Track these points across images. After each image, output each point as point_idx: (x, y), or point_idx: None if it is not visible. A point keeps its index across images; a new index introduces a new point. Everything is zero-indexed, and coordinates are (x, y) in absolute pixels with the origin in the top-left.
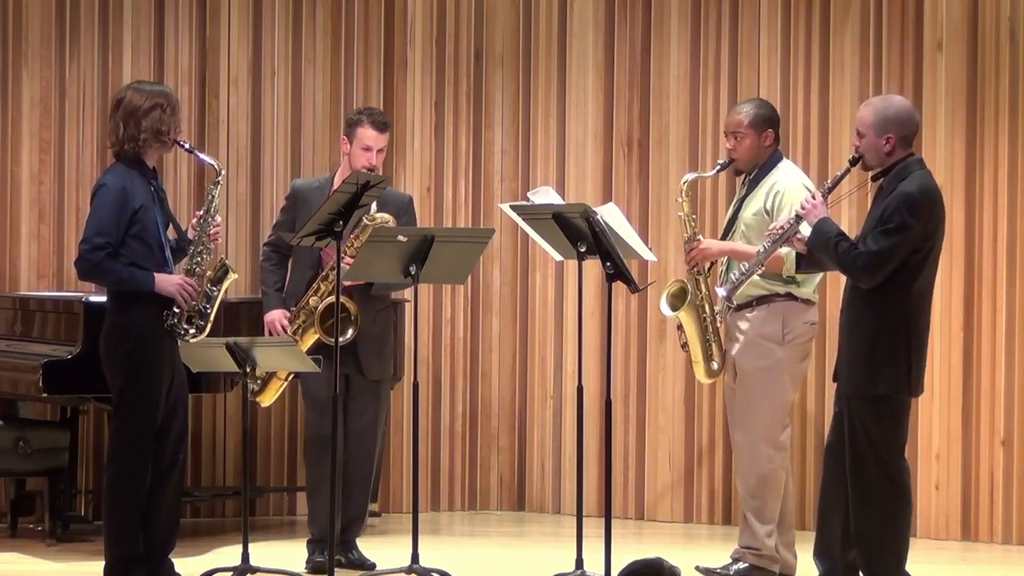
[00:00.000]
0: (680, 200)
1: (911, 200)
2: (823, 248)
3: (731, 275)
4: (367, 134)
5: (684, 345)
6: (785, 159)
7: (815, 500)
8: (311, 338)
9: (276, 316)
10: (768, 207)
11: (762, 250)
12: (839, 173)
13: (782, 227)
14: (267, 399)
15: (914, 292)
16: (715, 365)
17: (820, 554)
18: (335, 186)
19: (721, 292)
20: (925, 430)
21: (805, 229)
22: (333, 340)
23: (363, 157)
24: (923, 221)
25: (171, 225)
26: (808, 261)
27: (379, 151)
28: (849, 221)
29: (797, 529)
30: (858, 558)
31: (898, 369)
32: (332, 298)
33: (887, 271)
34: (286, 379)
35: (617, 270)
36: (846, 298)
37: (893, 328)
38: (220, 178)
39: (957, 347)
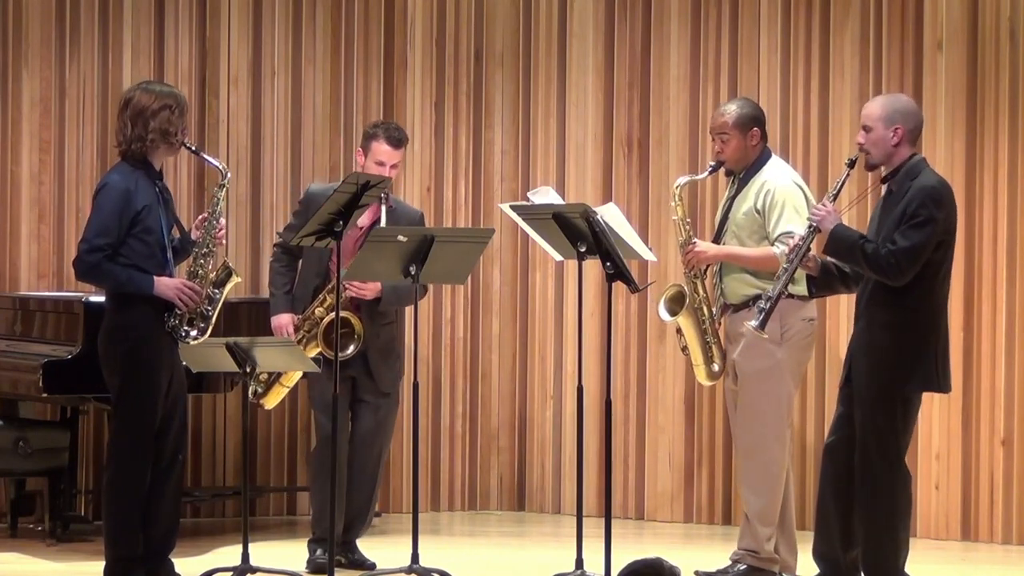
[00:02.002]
0: (674, 204)
1: (935, 193)
2: (847, 253)
3: (759, 304)
4: (381, 149)
5: (684, 348)
6: (774, 156)
7: (815, 500)
8: (312, 351)
9: (284, 321)
10: (759, 206)
11: (783, 271)
12: (840, 178)
13: (798, 244)
14: (271, 402)
15: (936, 289)
16: (716, 367)
17: (820, 554)
18: None
19: (752, 324)
20: (925, 430)
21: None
22: (334, 355)
23: (376, 171)
24: (946, 213)
25: (174, 226)
26: (820, 286)
27: (393, 167)
28: (849, 222)
29: (797, 529)
30: (862, 557)
31: (927, 366)
32: (344, 315)
33: (919, 265)
34: (289, 385)
35: (617, 270)
36: (863, 299)
37: (918, 325)
38: (226, 181)
39: (957, 347)
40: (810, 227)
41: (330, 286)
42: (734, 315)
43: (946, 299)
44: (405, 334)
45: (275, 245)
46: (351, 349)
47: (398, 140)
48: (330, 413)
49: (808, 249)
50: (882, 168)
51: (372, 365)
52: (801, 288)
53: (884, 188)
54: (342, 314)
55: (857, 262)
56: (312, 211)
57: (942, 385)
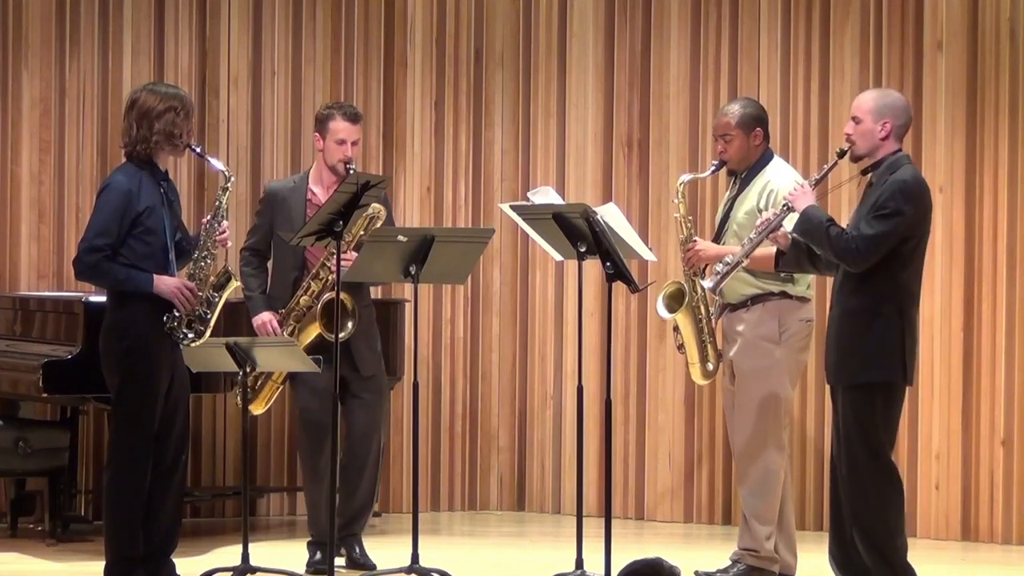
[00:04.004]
0: (676, 201)
1: (906, 188)
2: (813, 233)
3: (716, 266)
4: (340, 126)
5: (680, 347)
6: (776, 157)
7: (815, 500)
8: (312, 333)
9: (267, 318)
10: (761, 206)
11: (747, 241)
12: (827, 165)
13: (768, 218)
14: (258, 408)
15: (903, 281)
16: (711, 366)
17: (836, 560)
18: (310, 184)
19: (707, 284)
20: (925, 430)
21: (789, 224)
22: (333, 335)
23: (338, 151)
24: (916, 208)
25: (178, 228)
26: (787, 260)
27: (354, 143)
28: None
29: (797, 529)
30: (860, 545)
31: (893, 356)
32: (332, 294)
33: (879, 255)
34: (281, 383)
35: (617, 270)
36: (835, 290)
37: (885, 315)
38: (229, 184)
39: (957, 347)
40: (785, 205)
41: (312, 272)
42: (731, 314)
43: (915, 292)
44: (406, 333)
45: (242, 249)
46: (350, 325)
47: (355, 115)
48: (319, 398)
49: (779, 225)
50: (865, 159)
51: (354, 349)
52: (800, 289)
53: (866, 180)
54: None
55: (821, 244)
56: (276, 207)
57: (906, 377)
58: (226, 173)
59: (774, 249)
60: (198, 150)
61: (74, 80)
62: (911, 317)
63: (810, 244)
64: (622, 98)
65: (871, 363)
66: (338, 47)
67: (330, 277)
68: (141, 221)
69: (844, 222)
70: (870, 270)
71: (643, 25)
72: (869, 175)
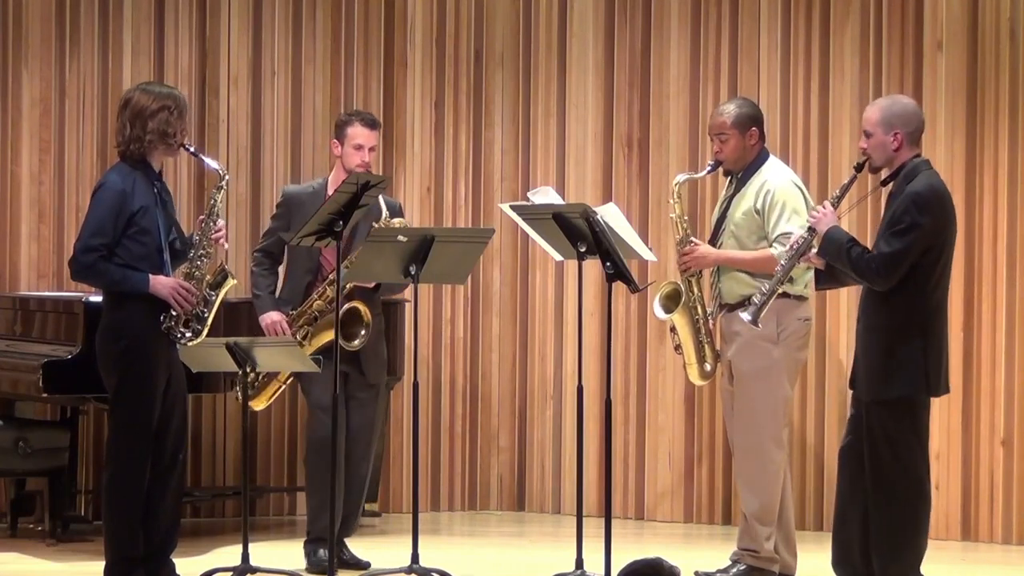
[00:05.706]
0: (672, 202)
1: (920, 199)
2: (835, 255)
3: (753, 298)
4: (358, 132)
5: (677, 347)
6: (772, 156)
7: (815, 500)
8: (326, 338)
9: (276, 318)
10: (758, 206)
11: (779, 269)
12: (846, 181)
13: (796, 243)
14: (259, 404)
15: (928, 293)
16: (708, 367)
17: (839, 563)
18: (330, 191)
19: (746, 316)
20: None
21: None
22: (348, 344)
23: (356, 156)
24: (933, 218)
25: (173, 228)
26: (826, 277)
27: (371, 149)
28: (856, 228)
29: (797, 529)
30: (875, 560)
31: (915, 370)
32: (354, 303)
33: (901, 272)
34: (285, 381)
35: (617, 270)
36: (861, 304)
37: (908, 330)
38: (224, 183)
39: (957, 347)
40: (809, 228)
41: (330, 279)
42: (729, 314)
43: (942, 304)
44: (406, 333)
45: (256, 251)
46: (363, 333)
47: (372, 122)
48: (330, 412)
49: (807, 249)
50: (884, 170)
51: (362, 357)
52: (798, 288)
53: (887, 191)
54: (352, 304)
55: (844, 264)
56: (293, 211)
57: (931, 390)
58: (220, 172)
59: (771, 251)
60: (192, 149)
61: (74, 80)
62: (936, 330)
63: (834, 265)
64: (622, 98)
65: (894, 379)
66: (338, 47)
67: (348, 285)
68: (135, 221)
69: (862, 236)
70: (893, 286)
71: (643, 25)
72: (890, 185)
